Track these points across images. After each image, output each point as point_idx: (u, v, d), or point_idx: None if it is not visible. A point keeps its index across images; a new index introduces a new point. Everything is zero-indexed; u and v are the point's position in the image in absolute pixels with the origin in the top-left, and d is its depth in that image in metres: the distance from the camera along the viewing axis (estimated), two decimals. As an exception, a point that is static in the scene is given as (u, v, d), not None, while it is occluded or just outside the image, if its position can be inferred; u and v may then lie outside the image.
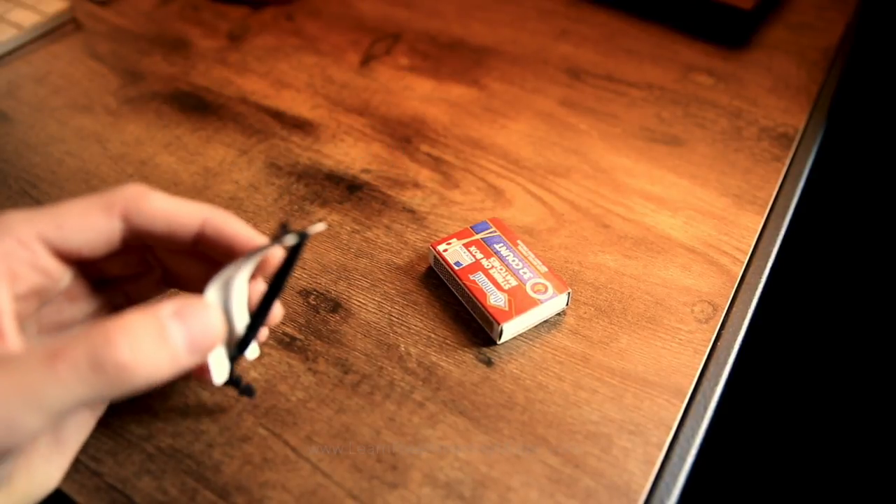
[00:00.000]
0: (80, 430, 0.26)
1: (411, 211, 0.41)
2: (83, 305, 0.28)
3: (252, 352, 0.28)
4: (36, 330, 0.26)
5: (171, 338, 0.21)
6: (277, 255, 0.27)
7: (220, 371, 0.27)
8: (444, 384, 0.32)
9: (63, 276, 0.26)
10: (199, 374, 0.27)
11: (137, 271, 0.29)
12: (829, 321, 0.86)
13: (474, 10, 0.58)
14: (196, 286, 0.29)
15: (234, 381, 0.29)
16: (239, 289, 0.26)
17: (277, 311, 0.29)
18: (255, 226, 0.40)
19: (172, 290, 0.31)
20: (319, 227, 0.25)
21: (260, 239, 0.27)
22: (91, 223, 0.25)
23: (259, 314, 0.27)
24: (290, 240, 0.24)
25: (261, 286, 0.28)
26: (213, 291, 0.25)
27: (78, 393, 0.20)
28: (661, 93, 0.50)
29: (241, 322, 0.27)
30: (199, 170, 0.43)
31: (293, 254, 0.25)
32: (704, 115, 0.48)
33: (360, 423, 0.31)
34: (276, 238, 0.24)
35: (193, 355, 0.22)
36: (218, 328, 0.23)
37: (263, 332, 0.29)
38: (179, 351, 0.21)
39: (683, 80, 0.51)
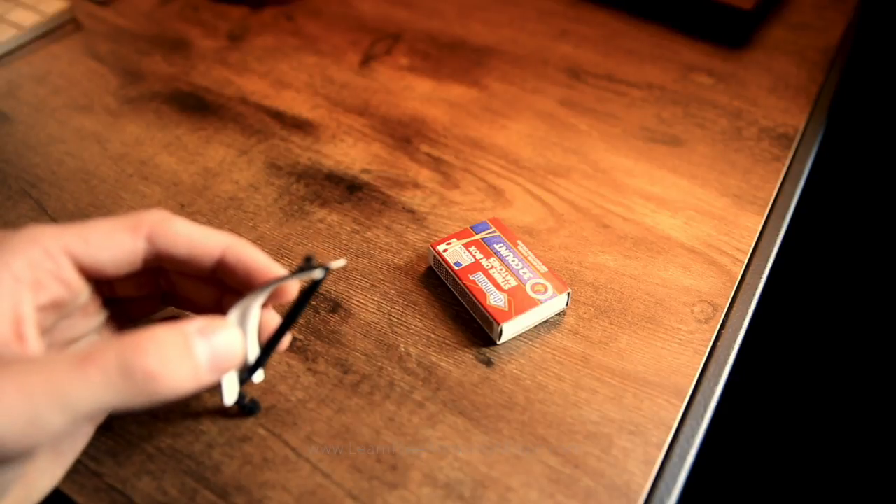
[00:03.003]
0: (77, 441, 0.26)
1: (411, 211, 0.41)
2: (92, 321, 0.28)
3: (258, 376, 0.29)
4: (48, 343, 0.26)
5: (195, 353, 0.22)
6: (295, 288, 0.28)
7: (230, 392, 0.27)
8: (443, 384, 0.32)
9: (83, 291, 0.26)
10: None
11: (147, 293, 0.29)
12: (829, 321, 0.86)
13: (474, 11, 0.58)
14: (201, 309, 0.29)
15: (238, 399, 0.29)
16: (253, 315, 0.27)
17: (286, 340, 0.29)
18: (256, 226, 0.40)
19: (170, 308, 0.31)
20: (339, 264, 0.25)
21: (276, 268, 0.27)
22: (116, 241, 0.25)
23: (272, 342, 0.27)
24: (318, 274, 0.25)
25: (271, 315, 0.29)
26: (233, 316, 0.25)
27: (104, 397, 0.20)
28: (661, 93, 0.50)
29: (253, 348, 0.27)
30: (199, 170, 0.43)
31: (312, 288, 0.26)
32: (704, 115, 0.48)
33: (360, 423, 0.31)
34: (297, 270, 0.25)
35: (213, 373, 0.23)
36: (239, 350, 0.24)
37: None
38: (202, 367, 0.22)
39: (683, 80, 0.51)
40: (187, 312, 0.31)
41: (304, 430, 0.30)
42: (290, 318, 0.27)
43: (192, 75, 0.51)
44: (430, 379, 0.32)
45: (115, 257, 0.25)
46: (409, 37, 0.55)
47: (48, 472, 0.25)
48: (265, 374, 0.32)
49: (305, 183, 0.42)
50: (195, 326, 0.22)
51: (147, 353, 0.21)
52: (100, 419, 0.27)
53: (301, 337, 0.34)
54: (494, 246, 0.36)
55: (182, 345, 0.22)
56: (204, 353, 0.22)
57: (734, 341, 0.35)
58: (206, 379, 0.22)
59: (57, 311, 0.25)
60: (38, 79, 0.50)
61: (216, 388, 0.29)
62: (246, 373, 0.28)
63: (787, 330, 0.85)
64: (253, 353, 0.27)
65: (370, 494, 0.28)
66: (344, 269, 0.37)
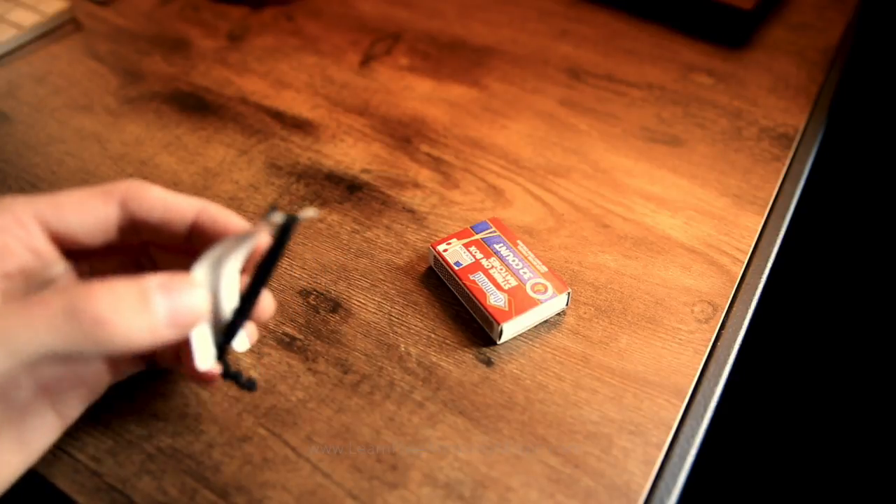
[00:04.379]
0: (45, 433, 0.25)
1: (411, 211, 0.41)
2: None
3: (241, 343, 0.28)
4: None
5: (152, 307, 0.22)
6: (265, 241, 0.27)
7: (204, 355, 0.26)
8: (444, 384, 0.32)
9: (55, 262, 0.26)
10: (194, 375, 0.27)
11: (129, 271, 0.29)
12: (828, 321, 0.86)
13: (474, 11, 0.58)
14: None
15: (233, 375, 0.28)
16: (229, 274, 0.26)
17: (269, 304, 0.28)
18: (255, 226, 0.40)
19: None
20: (311, 213, 0.25)
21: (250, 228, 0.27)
22: (89, 207, 0.25)
23: (247, 300, 0.26)
24: (278, 218, 0.24)
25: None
26: (199, 271, 0.25)
27: (48, 339, 0.20)
28: (661, 93, 0.50)
29: (230, 308, 0.26)
30: (199, 170, 0.43)
31: (281, 238, 0.25)
32: (704, 115, 0.48)
33: (360, 423, 0.31)
34: (264, 217, 0.24)
35: (173, 328, 0.23)
36: (201, 306, 0.23)
37: (255, 332, 0.29)
38: (159, 321, 0.22)
39: (683, 80, 0.51)
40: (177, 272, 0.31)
41: (304, 430, 0.30)
42: (262, 272, 0.26)
43: (192, 75, 0.51)
44: (430, 379, 0.32)
45: (88, 223, 0.25)
46: (409, 37, 0.55)
47: (12, 461, 0.24)
48: (261, 373, 0.32)
49: (305, 183, 0.42)
50: (156, 281, 0.22)
51: (98, 299, 0.20)
52: (78, 411, 0.26)
53: (301, 337, 0.34)
54: (494, 246, 0.36)
55: (138, 297, 0.21)
56: (162, 307, 0.22)
57: (734, 341, 0.35)
58: (164, 334, 0.22)
59: (25, 279, 0.25)
60: (38, 79, 0.50)
61: (188, 350, 0.27)
62: (223, 336, 0.27)
63: (787, 330, 0.85)
64: (230, 313, 0.26)
65: (370, 494, 0.28)
66: (344, 269, 0.37)
